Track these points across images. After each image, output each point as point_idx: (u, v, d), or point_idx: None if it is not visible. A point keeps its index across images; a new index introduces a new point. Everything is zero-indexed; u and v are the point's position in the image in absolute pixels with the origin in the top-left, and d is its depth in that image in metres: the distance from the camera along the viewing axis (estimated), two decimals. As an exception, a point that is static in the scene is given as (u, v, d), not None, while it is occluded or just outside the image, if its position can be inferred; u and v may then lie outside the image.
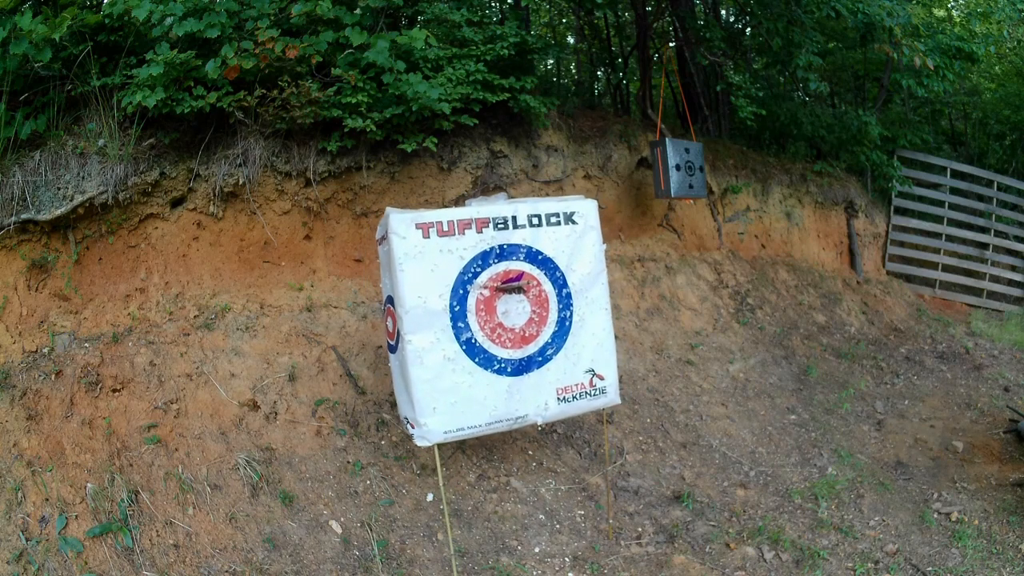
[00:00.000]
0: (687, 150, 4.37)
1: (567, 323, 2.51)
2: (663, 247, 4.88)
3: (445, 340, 2.32)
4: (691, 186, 4.37)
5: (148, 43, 3.04)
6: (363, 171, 3.58)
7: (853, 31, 5.26)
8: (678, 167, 4.29)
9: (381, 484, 2.89)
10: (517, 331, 2.43)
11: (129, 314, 3.09)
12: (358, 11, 3.37)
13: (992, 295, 6.58)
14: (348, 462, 2.95)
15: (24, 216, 2.87)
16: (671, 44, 6.48)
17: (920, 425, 3.89)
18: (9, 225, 2.85)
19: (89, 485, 2.49)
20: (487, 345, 2.39)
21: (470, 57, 3.59)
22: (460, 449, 3.13)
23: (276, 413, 3.02)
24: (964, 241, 6.67)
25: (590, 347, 2.55)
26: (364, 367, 3.33)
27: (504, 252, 2.39)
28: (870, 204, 6.48)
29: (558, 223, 2.47)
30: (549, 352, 2.49)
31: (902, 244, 6.58)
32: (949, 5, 7.55)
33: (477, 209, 2.37)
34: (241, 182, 3.30)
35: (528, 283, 2.44)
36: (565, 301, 2.50)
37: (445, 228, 2.30)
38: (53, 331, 2.91)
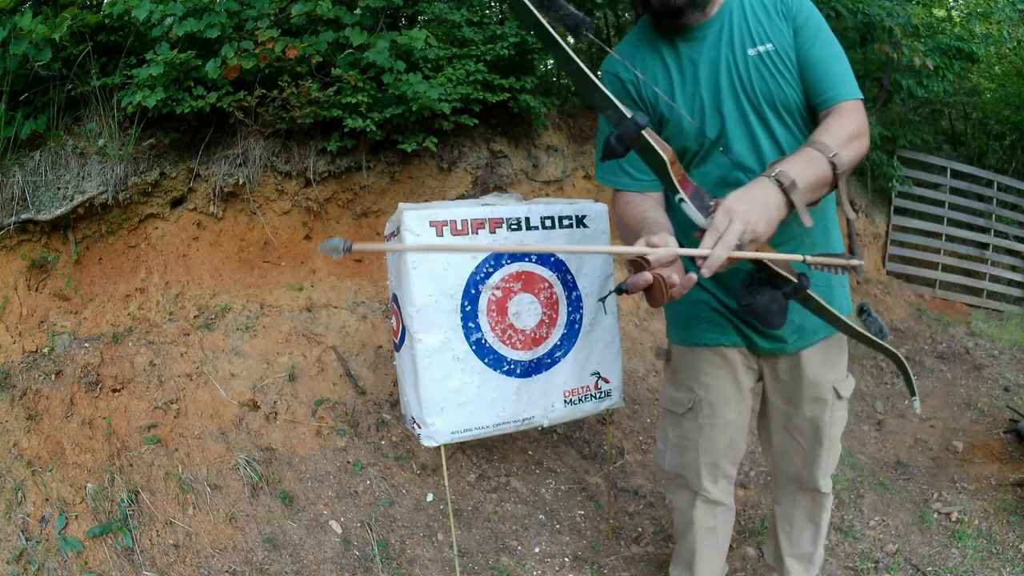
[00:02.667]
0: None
1: (576, 326, 2.50)
2: (663, 247, 4.88)
3: (455, 340, 2.29)
4: (691, 186, 4.36)
5: (148, 43, 3.03)
6: (363, 171, 3.59)
7: (853, 31, 5.24)
8: (678, 167, 4.28)
9: (381, 484, 2.89)
10: (528, 333, 2.41)
11: (129, 314, 3.09)
12: (358, 11, 3.37)
13: (992, 295, 6.58)
14: (348, 462, 2.95)
15: (24, 216, 2.88)
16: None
17: (920, 425, 3.89)
18: (9, 225, 2.85)
19: (89, 485, 2.49)
20: (497, 346, 2.37)
21: (470, 57, 3.58)
22: (460, 449, 3.13)
23: (276, 413, 3.02)
24: (964, 241, 6.67)
25: (597, 350, 2.54)
26: (364, 367, 3.33)
27: (517, 253, 2.37)
28: (870, 204, 6.47)
29: (570, 226, 2.44)
30: (558, 354, 2.48)
31: (902, 244, 6.58)
32: (949, 5, 7.54)
33: (491, 209, 2.35)
34: (241, 182, 3.30)
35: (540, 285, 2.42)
36: (575, 304, 2.49)
37: (459, 227, 2.26)
38: (53, 331, 2.91)
